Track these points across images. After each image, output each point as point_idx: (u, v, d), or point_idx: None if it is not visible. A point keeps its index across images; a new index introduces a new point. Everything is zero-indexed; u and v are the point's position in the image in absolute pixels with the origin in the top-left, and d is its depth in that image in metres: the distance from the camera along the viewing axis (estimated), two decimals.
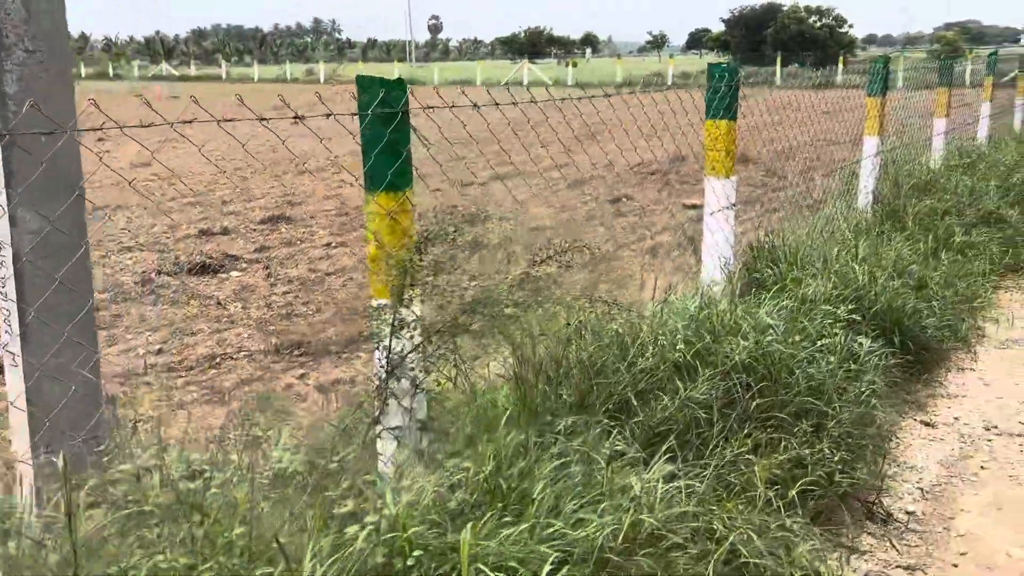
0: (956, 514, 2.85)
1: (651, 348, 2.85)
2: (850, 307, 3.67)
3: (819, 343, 3.23)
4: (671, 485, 2.21)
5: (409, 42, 71.42)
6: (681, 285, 4.80)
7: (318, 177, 12.50)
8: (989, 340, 4.56)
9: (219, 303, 6.13)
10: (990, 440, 3.39)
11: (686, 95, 4.52)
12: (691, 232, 7.72)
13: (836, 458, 2.62)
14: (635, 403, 2.68)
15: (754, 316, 3.18)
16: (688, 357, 2.85)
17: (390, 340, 2.32)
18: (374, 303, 2.48)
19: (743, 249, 4.69)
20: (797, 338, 3.22)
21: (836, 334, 3.39)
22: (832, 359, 3.10)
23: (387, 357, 2.34)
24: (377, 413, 2.47)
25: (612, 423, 2.63)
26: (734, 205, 4.26)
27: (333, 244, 7.90)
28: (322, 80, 48.32)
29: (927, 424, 3.53)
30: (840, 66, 37.81)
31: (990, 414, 3.64)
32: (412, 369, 2.43)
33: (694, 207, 9.51)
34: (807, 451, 2.60)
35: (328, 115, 2.40)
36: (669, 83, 37.33)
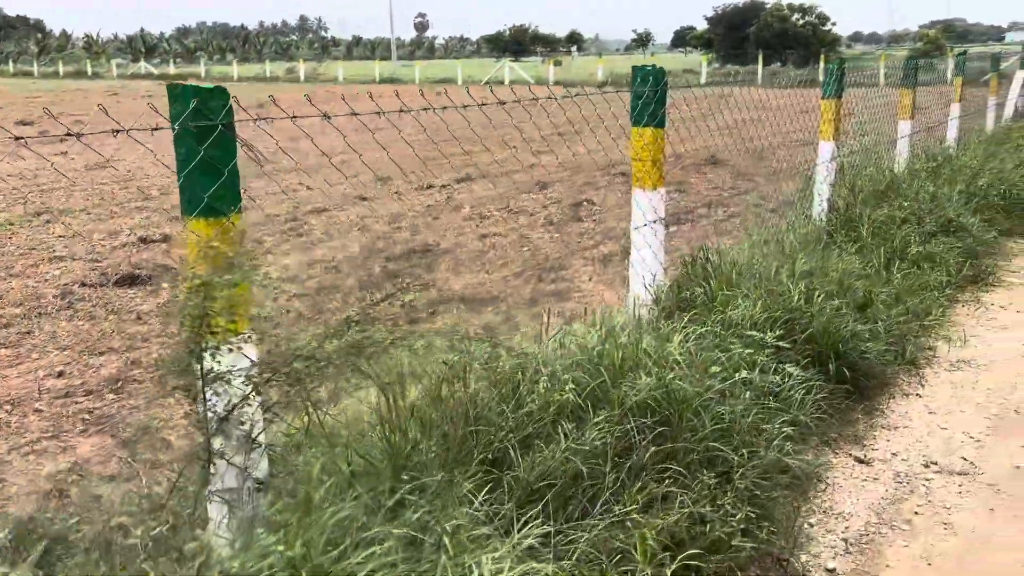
0: (881, 571, 2.56)
1: (541, 387, 2.53)
2: (779, 332, 3.37)
3: (739, 375, 2.92)
4: (528, 567, 1.89)
5: (392, 40, 70.84)
6: (615, 305, 4.52)
7: (278, 178, 12.14)
8: (940, 361, 4.27)
9: (139, 317, 5.79)
10: (928, 479, 3.10)
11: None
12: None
13: (739, 516, 2.31)
14: (514, 453, 2.37)
15: (662, 348, 2.87)
16: (580, 398, 2.53)
17: (203, 393, 1.99)
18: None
19: (682, 260, 4.39)
20: (715, 369, 2.92)
21: (760, 364, 3.09)
22: (748, 395, 2.80)
23: (205, 412, 2.02)
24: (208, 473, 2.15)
25: (487, 477, 2.32)
26: (663, 219, 3.96)
27: (275, 251, 7.56)
28: (302, 78, 47.86)
29: (861, 461, 3.24)
30: (822, 64, 37.67)
31: (932, 448, 3.35)
32: (244, 423, 2.11)
33: None
34: (707, 508, 2.30)
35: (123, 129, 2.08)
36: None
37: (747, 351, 3.12)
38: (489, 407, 2.50)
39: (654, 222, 3.87)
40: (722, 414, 2.64)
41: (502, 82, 41.06)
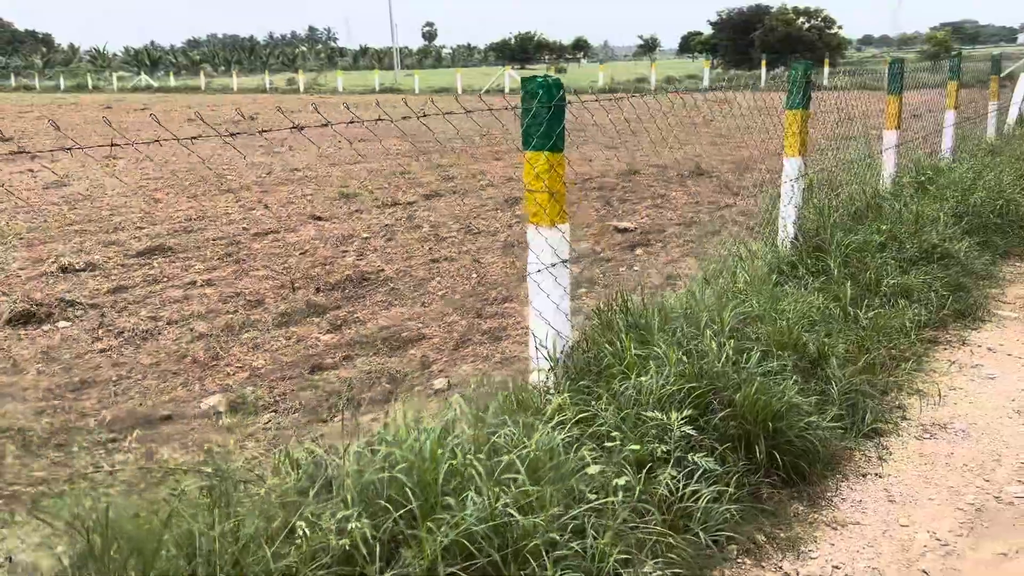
0: None
1: (305, 530, 1.84)
2: (691, 410, 2.67)
3: (618, 481, 2.23)
4: None
5: (394, 49, 70.26)
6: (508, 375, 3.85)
7: (237, 196, 11.53)
8: (909, 426, 3.56)
9: (15, 365, 5.14)
10: None
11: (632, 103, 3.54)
12: (595, 272, 6.75)
13: None
14: None
15: (517, 447, 2.18)
16: (375, 538, 1.84)
17: None
18: None
19: (594, 310, 3.69)
20: (593, 470, 2.22)
21: (660, 457, 2.40)
22: (626, 514, 2.10)
23: None
24: None
25: None
26: (565, 261, 3.26)
27: (199, 282, 6.91)
28: (302, 89, 47.44)
29: None
30: (826, 68, 36.84)
31: (885, 557, 2.64)
32: None
33: (625, 231, 8.54)
34: None
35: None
36: (652, 87, 36.34)
37: (644, 440, 2.42)
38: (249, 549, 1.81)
39: (553, 265, 3.18)
40: (581, 550, 1.95)
41: (502, 90, 40.49)
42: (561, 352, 3.20)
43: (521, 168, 11.06)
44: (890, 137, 6.96)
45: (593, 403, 2.70)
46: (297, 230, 9.11)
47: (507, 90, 40.12)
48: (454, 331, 5.52)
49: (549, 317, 3.18)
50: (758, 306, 3.92)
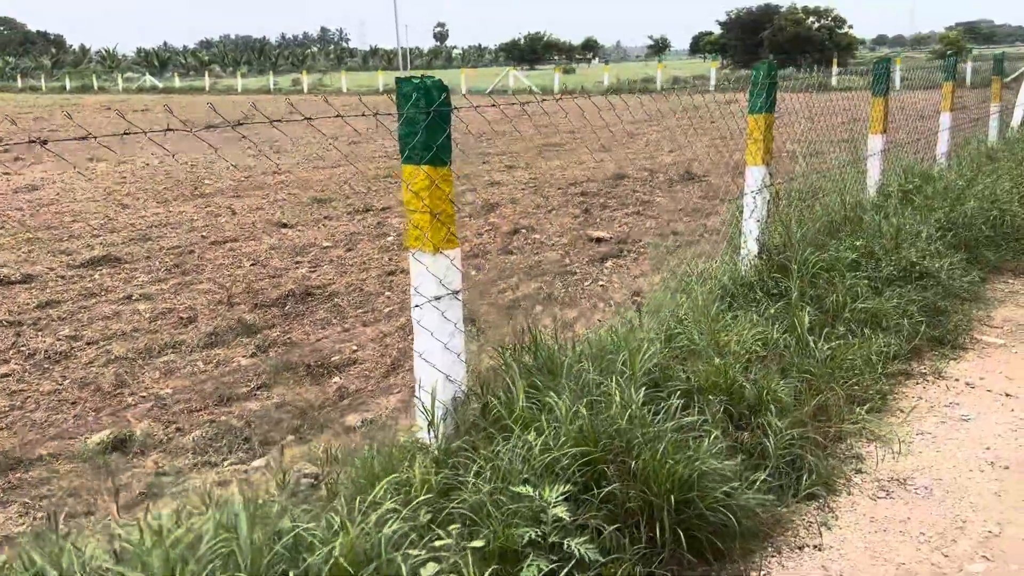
0: None
1: None
2: (572, 485, 2.20)
3: None
4: None
5: (399, 50, 69.94)
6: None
7: (208, 201, 11.15)
8: (863, 482, 3.08)
9: None
10: None
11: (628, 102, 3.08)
12: (561, 286, 6.26)
13: None
14: None
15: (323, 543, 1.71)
16: None
17: None
18: None
19: (497, 349, 3.22)
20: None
21: (531, 540, 1.93)
22: None
23: None
24: None
25: None
26: (456, 292, 2.80)
27: (135, 297, 6.48)
28: (305, 90, 47.14)
29: None
30: (834, 68, 36.19)
31: None
32: None
33: (599, 241, 8.07)
34: None
35: None
36: (658, 88, 35.80)
37: (513, 523, 1.96)
38: None
39: (439, 299, 2.72)
40: None
41: (506, 91, 40.07)
42: (451, 402, 2.74)
43: (508, 173, 10.59)
44: (875, 142, 6.46)
45: (461, 472, 2.24)
46: (258, 238, 8.69)
47: (511, 91, 39.69)
48: (389, 355, 5.06)
49: (435, 360, 2.72)
50: (699, 339, 3.45)
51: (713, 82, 35.78)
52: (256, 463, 3.61)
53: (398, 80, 2.60)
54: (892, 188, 6.46)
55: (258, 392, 4.57)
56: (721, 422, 2.88)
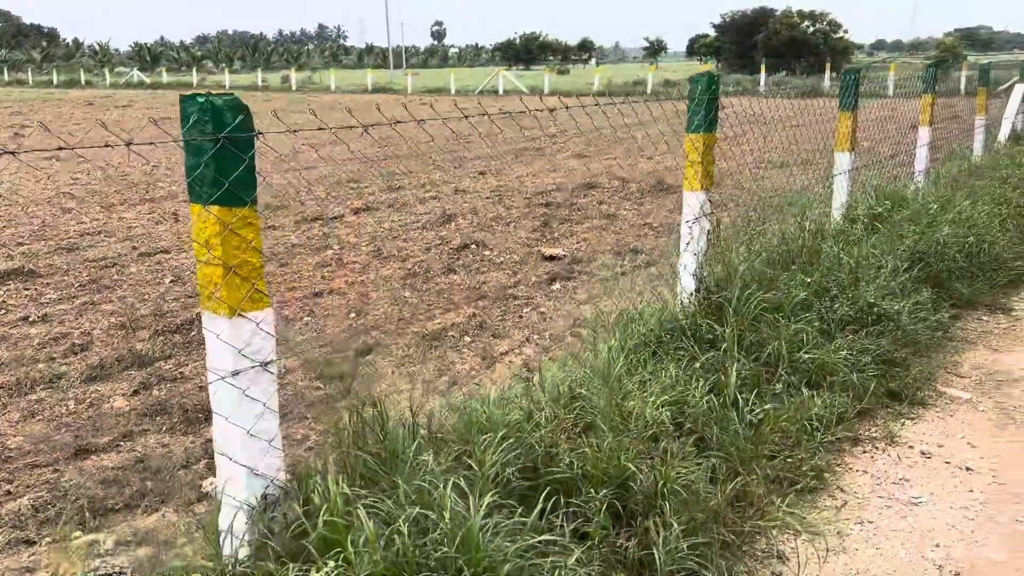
0: None
1: None
2: None
3: None
4: None
5: (390, 49, 69.20)
6: None
7: (156, 206, 10.58)
8: None
9: None
10: None
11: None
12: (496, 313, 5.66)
13: None
14: None
15: None
16: None
17: None
18: None
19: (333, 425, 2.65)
20: None
21: None
22: None
23: None
24: None
25: None
26: (269, 363, 2.24)
27: (32, 318, 5.92)
28: (294, 87, 46.56)
29: None
30: (827, 73, 35.63)
31: None
32: None
33: (552, 259, 7.52)
34: None
35: None
36: (648, 91, 35.24)
37: None
38: None
39: (235, 374, 2.15)
40: None
41: (496, 91, 39.56)
42: (259, 503, 2.18)
43: (477, 180, 10.02)
44: (843, 160, 5.91)
45: None
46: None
47: (501, 91, 39.18)
48: (282, 395, 4.50)
49: (234, 451, 2.16)
50: (602, 405, 2.90)
51: None
52: (77, 541, 3.06)
53: (181, 98, 2.04)
54: (860, 212, 5.91)
55: (122, 443, 4.00)
56: (604, 526, 2.33)
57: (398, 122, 2.82)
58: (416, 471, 2.23)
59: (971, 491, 3.10)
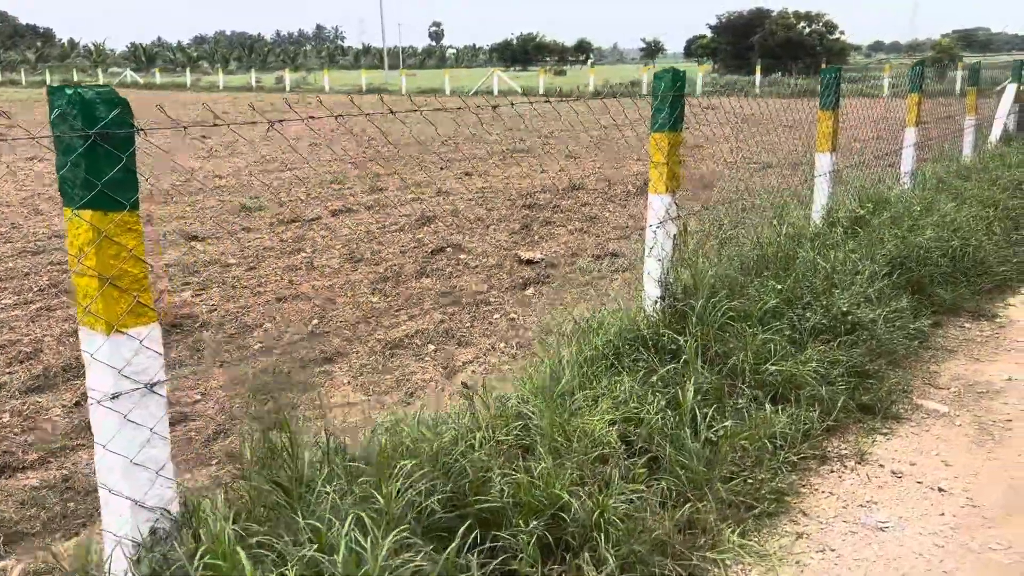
0: None
1: None
2: None
3: None
4: None
5: (384, 49, 68.98)
6: None
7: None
8: None
9: None
10: None
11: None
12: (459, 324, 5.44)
13: None
14: None
15: None
16: None
17: None
18: None
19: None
20: None
21: None
22: None
23: None
24: None
25: None
26: (155, 384, 2.03)
27: None
28: (287, 88, 46.35)
29: None
30: None
31: None
32: None
33: (529, 263, 7.31)
34: None
35: None
36: (644, 92, 35.03)
37: None
38: None
39: (115, 397, 1.94)
40: None
41: (491, 92, 39.39)
42: (144, 539, 1.97)
43: (462, 181, 9.80)
44: (823, 162, 5.70)
45: None
46: (159, 253, 7.91)
47: (496, 92, 39.00)
48: (230, 410, 4.29)
49: (115, 481, 1.95)
50: (545, 424, 2.69)
51: (699, 88, 35.09)
52: None
53: (49, 90, 1.83)
54: (841, 215, 5.71)
55: (51, 459, 3.79)
56: (532, 562, 2.12)
57: (311, 118, 2.61)
58: (321, 503, 2.02)
59: (942, 514, 2.89)
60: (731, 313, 3.77)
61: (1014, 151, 9.04)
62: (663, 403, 3.09)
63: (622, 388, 3.13)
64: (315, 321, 5.72)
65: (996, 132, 10.11)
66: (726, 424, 3.07)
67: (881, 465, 3.24)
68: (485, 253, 7.69)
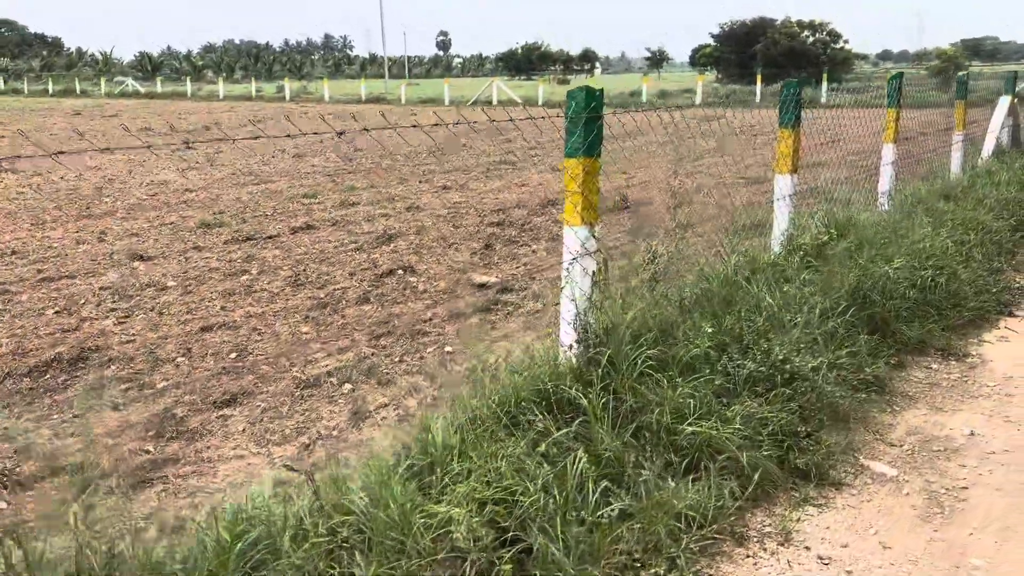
0: None
1: None
2: None
3: None
4: None
5: (384, 58, 68.67)
6: None
7: (89, 224, 9.99)
8: None
9: None
10: None
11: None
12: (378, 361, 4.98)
13: None
14: None
15: None
16: None
17: None
18: None
19: None
20: None
21: None
22: None
23: None
24: None
25: None
26: None
27: None
28: (287, 97, 46.14)
29: None
30: (824, 85, 34.94)
31: None
32: None
33: (483, 287, 6.89)
34: None
35: None
36: (643, 101, 34.59)
37: None
38: None
39: None
40: None
41: (490, 102, 39.06)
42: None
43: (438, 195, 9.36)
44: (783, 184, 5.26)
45: None
46: (101, 274, 7.53)
47: (495, 102, 38.65)
48: (108, 457, 3.87)
49: None
50: (382, 516, 2.25)
51: (699, 97, 34.69)
52: None
53: None
54: (804, 240, 5.26)
55: None
56: None
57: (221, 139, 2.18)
58: None
59: None
60: (651, 362, 3.33)
61: (1004, 168, 8.58)
62: (550, 476, 2.65)
63: (505, 457, 2.70)
64: (233, 355, 5.29)
65: (988, 147, 9.65)
66: (622, 503, 2.63)
67: (807, 547, 2.79)
68: (438, 276, 7.27)
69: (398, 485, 2.35)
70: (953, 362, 4.52)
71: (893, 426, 3.73)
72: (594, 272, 3.57)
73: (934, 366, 4.46)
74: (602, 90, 3.47)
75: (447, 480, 2.52)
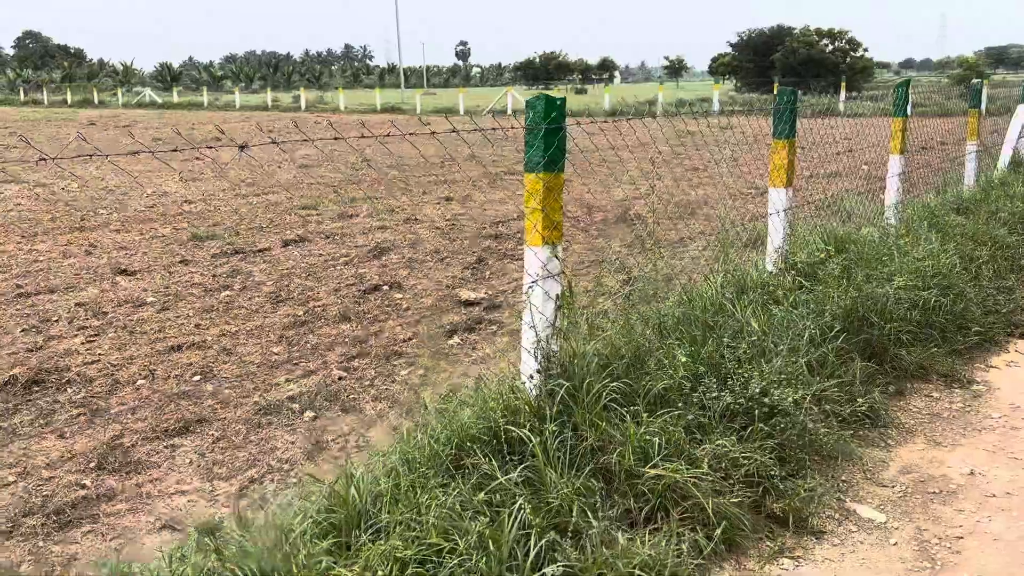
0: None
1: None
2: None
3: None
4: None
5: (400, 68, 68.75)
6: None
7: (81, 236, 9.82)
8: None
9: None
10: None
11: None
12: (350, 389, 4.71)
13: None
14: None
15: None
16: None
17: None
18: None
19: None
20: None
21: None
22: None
23: None
24: None
25: None
26: None
27: None
28: (303, 107, 46.22)
29: None
30: (842, 93, 34.48)
31: None
32: None
33: (468, 304, 6.62)
34: None
35: None
36: (659, 112, 34.28)
37: None
38: None
39: None
40: None
41: (504, 111, 38.90)
42: None
43: (439, 206, 9.12)
44: (778, 198, 4.95)
45: None
46: (83, 289, 7.33)
47: (510, 111, 38.48)
48: (35, 499, 3.62)
49: None
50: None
51: (716, 105, 34.33)
52: None
53: None
54: (801, 258, 4.95)
55: None
56: None
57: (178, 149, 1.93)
58: None
59: None
60: (616, 395, 3.05)
61: (1020, 179, 8.21)
62: (485, 529, 2.37)
63: (437, 507, 2.42)
64: (196, 377, 5.05)
65: (1005, 158, 9.27)
66: (566, 560, 2.34)
67: None
68: (424, 292, 7.01)
69: (304, 547, 2.08)
70: (956, 390, 4.20)
71: (886, 463, 3.42)
72: (558, 296, 3.29)
73: (935, 394, 4.13)
74: (564, 99, 3.20)
75: (366, 538, 2.25)
